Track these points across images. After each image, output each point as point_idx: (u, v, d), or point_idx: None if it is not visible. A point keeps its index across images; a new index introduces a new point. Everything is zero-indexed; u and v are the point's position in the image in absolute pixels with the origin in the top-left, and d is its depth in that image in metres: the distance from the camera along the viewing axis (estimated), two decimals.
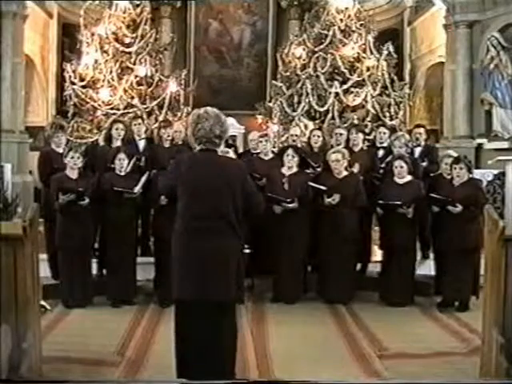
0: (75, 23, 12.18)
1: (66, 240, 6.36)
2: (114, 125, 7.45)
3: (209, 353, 3.99)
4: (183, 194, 4.06)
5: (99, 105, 11.42)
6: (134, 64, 11.70)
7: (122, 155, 6.65)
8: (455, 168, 6.52)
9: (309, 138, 7.77)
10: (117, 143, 7.23)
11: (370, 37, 11.84)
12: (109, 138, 7.40)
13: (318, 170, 7.14)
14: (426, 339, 5.41)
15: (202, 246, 3.98)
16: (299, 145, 7.87)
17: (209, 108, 4.16)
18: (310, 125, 10.93)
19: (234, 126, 12.88)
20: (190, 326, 4.01)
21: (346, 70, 11.46)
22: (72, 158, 6.45)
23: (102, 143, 8.83)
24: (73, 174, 6.47)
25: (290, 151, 6.78)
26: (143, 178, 6.59)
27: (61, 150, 6.93)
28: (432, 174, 7.22)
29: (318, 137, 7.64)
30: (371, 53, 11.72)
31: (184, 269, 4.03)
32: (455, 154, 7.10)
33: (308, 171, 7.03)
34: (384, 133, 7.85)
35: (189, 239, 4.03)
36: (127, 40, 11.80)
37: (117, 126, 7.34)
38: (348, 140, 7.48)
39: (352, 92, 11.43)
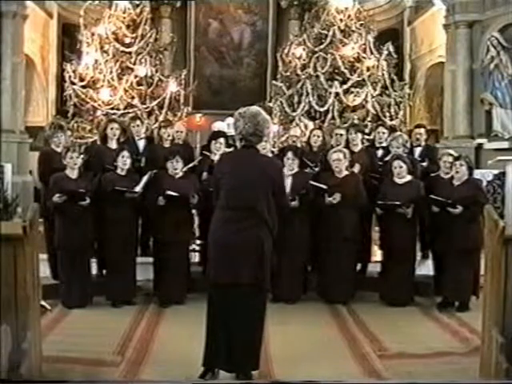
0: (75, 23, 12.18)
1: (65, 240, 6.35)
2: (109, 124, 7.37)
3: (240, 336, 4.25)
4: (222, 186, 4.38)
5: (99, 105, 11.43)
6: (134, 64, 11.70)
7: (125, 153, 6.63)
8: (455, 165, 6.52)
9: (309, 138, 7.77)
10: (112, 143, 7.20)
11: (370, 37, 11.84)
12: (104, 138, 7.36)
13: (316, 169, 7.14)
14: (426, 339, 5.40)
15: (235, 234, 4.26)
16: (299, 145, 7.86)
17: (251, 107, 4.47)
18: (310, 125, 10.92)
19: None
20: (223, 309, 4.27)
21: (346, 70, 11.46)
22: (71, 158, 6.44)
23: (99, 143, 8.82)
24: (72, 174, 6.47)
25: (289, 155, 6.74)
26: (145, 178, 6.59)
27: (60, 150, 6.91)
28: (432, 175, 7.22)
29: (318, 137, 7.64)
30: (371, 53, 11.72)
31: (218, 255, 4.30)
32: (455, 153, 7.09)
33: (306, 171, 7.02)
34: (383, 133, 7.86)
35: (224, 228, 4.30)
36: (127, 40, 11.81)
37: (112, 126, 7.28)
38: (348, 140, 7.48)
39: (352, 92, 11.43)
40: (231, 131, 12.65)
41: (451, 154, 6.98)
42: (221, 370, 4.34)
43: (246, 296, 4.26)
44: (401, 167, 6.68)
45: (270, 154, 7.58)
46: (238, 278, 4.25)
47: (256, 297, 4.31)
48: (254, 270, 4.27)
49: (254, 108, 4.46)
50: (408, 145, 7.47)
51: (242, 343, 4.27)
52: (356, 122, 10.80)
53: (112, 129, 7.23)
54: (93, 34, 11.74)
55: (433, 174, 7.18)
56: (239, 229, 4.26)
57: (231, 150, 4.53)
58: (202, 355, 4.32)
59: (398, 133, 8.25)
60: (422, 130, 8.03)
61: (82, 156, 6.69)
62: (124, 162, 6.60)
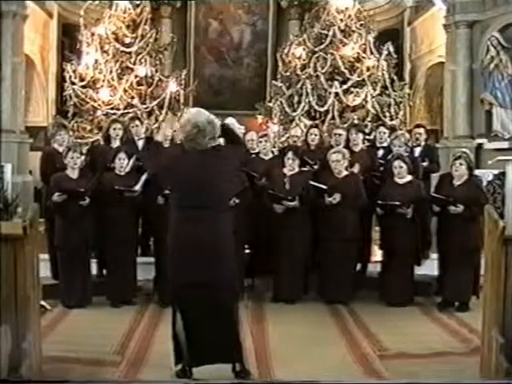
0: (75, 23, 12.18)
1: (65, 240, 6.36)
2: (112, 125, 7.40)
3: (213, 333, 4.27)
4: (176, 187, 4.37)
5: (99, 105, 11.43)
6: (134, 64, 11.70)
7: (122, 155, 6.65)
8: (455, 164, 6.52)
9: (306, 136, 7.74)
10: (115, 143, 7.21)
11: (370, 37, 11.84)
12: (107, 138, 7.38)
13: (315, 167, 7.14)
14: (426, 339, 5.40)
15: (196, 233, 4.25)
16: (299, 144, 7.85)
17: (206, 113, 4.36)
18: None
19: (234, 126, 12.84)
20: (192, 309, 4.29)
21: (346, 70, 11.46)
22: (72, 158, 6.44)
23: (102, 143, 8.83)
24: (73, 174, 6.47)
25: (290, 155, 6.76)
26: (143, 177, 6.59)
27: (63, 149, 6.90)
28: (441, 173, 7.20)
29: (315, 135, 7.62)
30: (371, 53, 11.72)
31: (181, 256, 4.31)
32: (469, 152, 7.04)
33: (305, 169, 7.02)
34: (384, 132, 7.85)
35: (183, 228, 4.31)
36: (127, 40, 11.81)
37: (115, 126, 7.30)
38: (348, 140, 7.47)
39: (352, 92, 11.43)
40: None
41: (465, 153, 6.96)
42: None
43: (216, 293, 4.27)
44: (401, 167, 6.68)
45: (271, 154, 7.62)
46: (205, 276, 4.24)
47: (227, 292, 4.32)
48: (221, 266, 4.28)
49: (206, 113, 4.40)
50: (410, 144, 7.46)
51: (220, 339, 4.29)
52: (356, 121, 10.80)
53: (115, 129, 7.25)
54: (93, 34, 11.74)
55: (442, 173, 7.16)
56: (197, 226, 4.25)
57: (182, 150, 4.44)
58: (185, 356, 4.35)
59: (400, 132, 8.25)
60: (422, 130, 8.04)
61: (83, 157, 6.70)
62: (121, 164, 6.62)
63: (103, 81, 11.48)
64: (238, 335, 4.36)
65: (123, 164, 6.62)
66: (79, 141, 10.72)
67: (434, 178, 8.01)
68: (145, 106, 11.58)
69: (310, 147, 7.55)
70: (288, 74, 12.07)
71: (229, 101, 14.20)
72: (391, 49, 11.82)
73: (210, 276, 4.26)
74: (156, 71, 11.96)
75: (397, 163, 6.71)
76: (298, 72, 11.81)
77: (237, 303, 4.50)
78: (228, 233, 4.36)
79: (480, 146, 10.69)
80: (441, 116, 12.30)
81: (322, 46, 11.68)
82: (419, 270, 6.90)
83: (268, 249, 6.81)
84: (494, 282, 4.07)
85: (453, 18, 11.11)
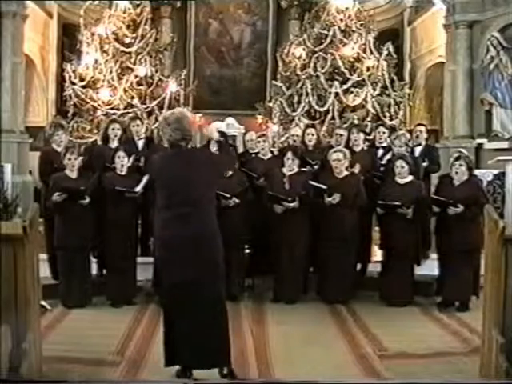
0: (75, 23, 12.21)
1: (65, 240, 6.35)
2: (111, 125, 7.39)
3: (202, 332, 4.22)
4: (161, 187, 4.38)
5: (99, 105, 11.44)
6: (134, 64, 11.72)
7: (121, 153, 6.64)
8: (454, 165, 6.53)
9: (302, 136, 7.72)
10: (114, 143, 7.20)
11: (370, 37, 11.86)
12: (106, 138, 7.37)
13: (315, 167, 7.13)
14: (426, 339, 5.40)
15: (183, 231, 4.26)
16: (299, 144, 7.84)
17: (175, 111, 4.56)
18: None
19: (233, 126, 12.88)
20: (183, 308, 4.25)
21: (346, 70, 11.48)
22: (69, 159, 6.44)
23: (100, 143, 8.82)
24: (72, 174, 6.47)
25: (289, 155, 6.76)
26: (145, 178, 6.58)
27: (61, 149, 6.91)
28: (441, 174, 7.21)
29: (312, 135, 7.61)
30: (371, 53, 11.74)
31: (171, 255, 4.28)
32: (466, 153, 7.04)
33: (305, 169, 7.02)
34: (383, 132, 7.84)
35: (170, 227, 4.29)
36: (127, 40, 11.83)
37: (113, 126, 7.29)
38: (348, 140, 7.47)
39: (352, 92, 11.45)
40: (231, 131, 12.71)
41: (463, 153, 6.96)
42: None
43: (210, 290, 4.26)
44: (402, 167, 6.67)
45: (270, 154, 7.62)
46: (199, 273, 4.24)
47: (219, 289, 4.32)
48: (213, 264, 4.29)
49: (179, 112, 4.51)
50: (410, 144, 7.46)
51: (209, 343, 4.23)
52: (356, 121, 10.81)
53: (113, 129, 7.24)
54: (93, 34, 11.76)
55: (442, 174, 7.17)
56: (184, 225, 4.25)
57: (163, 151, 4.53)
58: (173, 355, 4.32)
59: (401, 131, 8.25)
60: (423, 128, 8.04)
61: (81, 157, 6.70)
62: (121, 162, 6.61)
63: (103, 81, 11.50)
64: (228, 337, 4.31)
65: (123, 162, 6.61)
66: (79, 141, 10.74)
67: (434, 178, 8.02)
68: (145, 106, 11.60)
69: (308, 147, 7.53)
70: (288, 73, 12.09)
71: (229, 101, 14.22)
72: (391, 49, 11.85)
73: (200, 274, 4.24)
74: (156, 71, 11.98)
75: (399, 163, 6.70)
76: (298, 72, 11.83)
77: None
78: (216, 230, 4.38)
79: (480, 146, 10.70)
80: (441, 116, 12.31)
81: (322, 46, 11.71)
82: (419, 270, 6.89)
83: (268, 249, 6.81)
84: (494, 282, 4.07)
85: (453, 17, 11.12)
